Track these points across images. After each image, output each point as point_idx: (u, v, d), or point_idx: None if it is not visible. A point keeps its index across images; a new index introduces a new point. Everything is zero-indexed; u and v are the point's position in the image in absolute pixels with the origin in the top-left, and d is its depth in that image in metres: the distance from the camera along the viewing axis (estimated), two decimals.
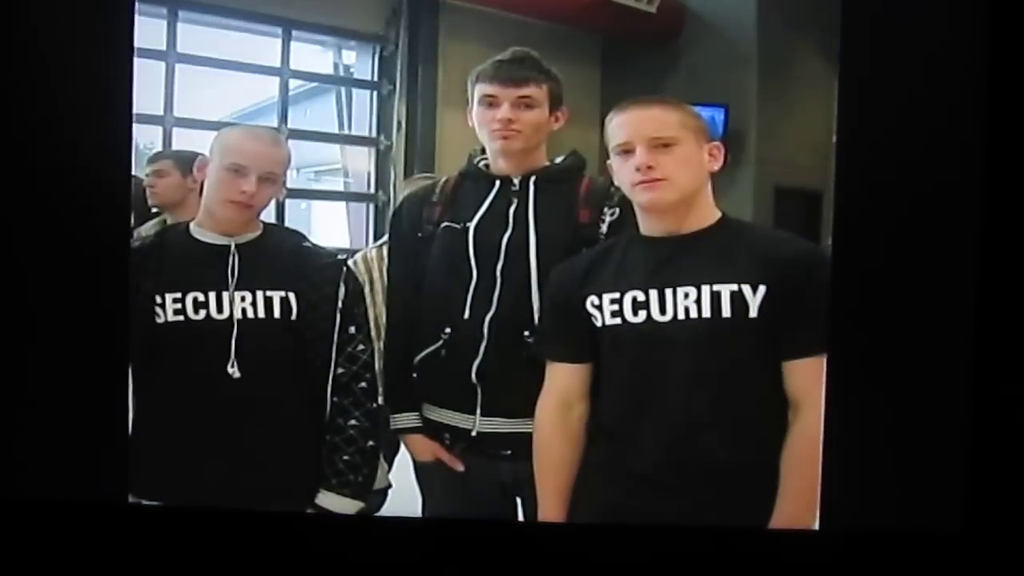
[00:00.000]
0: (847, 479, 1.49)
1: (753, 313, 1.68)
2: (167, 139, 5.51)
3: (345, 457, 1.93)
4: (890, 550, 1.49)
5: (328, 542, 1.65)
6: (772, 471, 1.68)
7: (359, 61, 6.58)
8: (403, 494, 2.33)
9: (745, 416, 1.70)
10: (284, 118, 6.03)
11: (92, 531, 1.56)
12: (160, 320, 1.86)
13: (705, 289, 1.70)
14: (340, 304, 1.94)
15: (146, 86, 5.12)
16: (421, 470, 2.10)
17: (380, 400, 2.04)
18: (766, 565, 1.58)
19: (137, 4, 1.55)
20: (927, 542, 1.47)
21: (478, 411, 1.97)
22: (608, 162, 1.81)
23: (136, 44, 1.54)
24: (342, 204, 6.80)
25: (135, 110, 1.55)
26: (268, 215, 2.02)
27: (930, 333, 1.47)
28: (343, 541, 1.68)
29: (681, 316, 1.71)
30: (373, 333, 2.07)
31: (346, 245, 6.12)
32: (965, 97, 1.45)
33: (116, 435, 1.60)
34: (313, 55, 6.45)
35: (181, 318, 1.87)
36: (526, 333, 1.92)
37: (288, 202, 5.55)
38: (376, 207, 6.42)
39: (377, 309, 2.54)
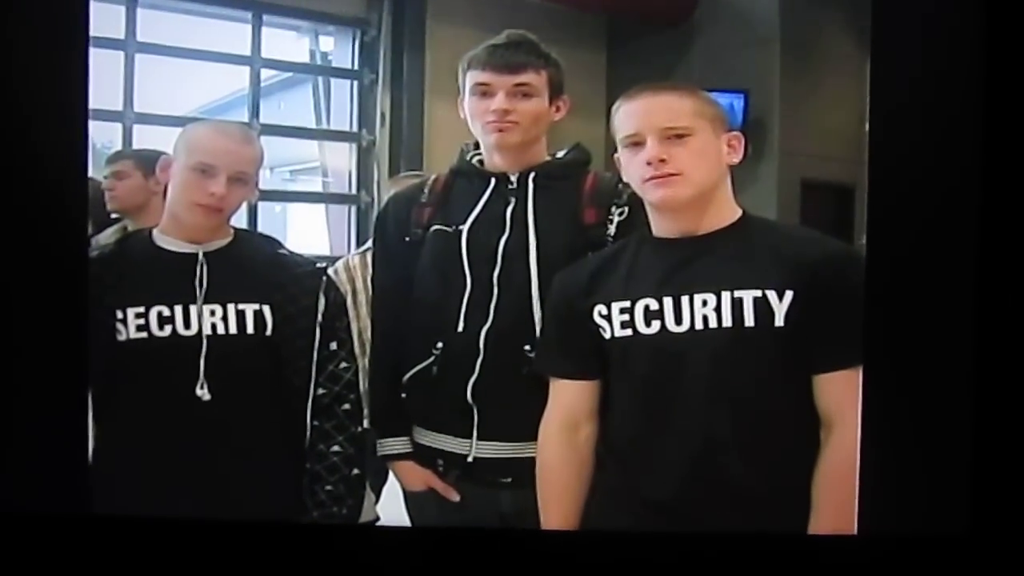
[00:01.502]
0: (886, 498, 1.49)
1: (779, 322, 1.69)
2: (127, 137, 5.53)
3: (328, 487, 1.93)
4: (916, 557, 1.49)
5: (315, 551, 1.65)
6: (802, 495, 1.68)
7: (338, 48, 6.59)
8: None
9: (771, 436, 1.70)
10: (256, 112, 6.04)
11: (49, 547, 1.56)
12: (122, 337, 1.86)
13: (725, 296, 1.70)
14: (320, 317, 1.94)
15: (103, 79, 5.13)
16: (412, 501, 2.10)
17: (366, 423, 2.04)
18: (769, 567, 1.57)
19: None
20: (954, 547, 1.47)
21: (474, 434, 1.97)
22: (615, 156, 1.81)
23: (92, 32, 1.54)
24: (321, 206, 6.81)
25: (91, 105, 1.55)
26: (239, 220, 2.02)
27: (976, 339, 1.46)
28: (332, 549, 1.68)
29: (699, 326, 1.71)
30: (357, 349, 2.08)
31: (326, 252, 6.13)
32: (1017, 77, 1.44)
33: (75, 463, 1.59)
34: (287, 42, 6.47)
35: (144, 335, 1.87)
36: (527, 347, 1.92)
37: (261, 205, 5.58)
38: (358, 209, 6.43)
39: (361, 322, 2.55)
